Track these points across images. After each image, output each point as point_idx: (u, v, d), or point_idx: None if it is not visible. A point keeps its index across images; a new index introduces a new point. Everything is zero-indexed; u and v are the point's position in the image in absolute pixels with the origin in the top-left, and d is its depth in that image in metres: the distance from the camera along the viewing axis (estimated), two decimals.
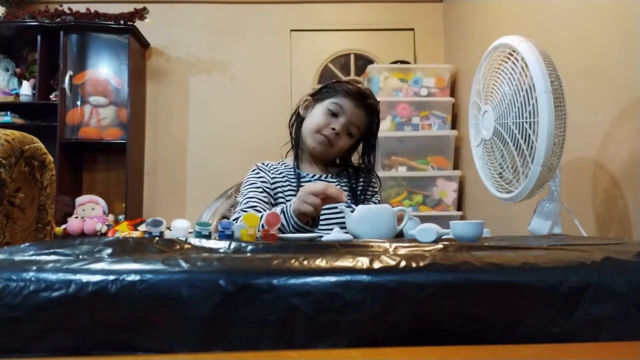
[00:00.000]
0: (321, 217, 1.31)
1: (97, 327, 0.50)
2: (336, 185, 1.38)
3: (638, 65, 1.46)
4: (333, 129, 1.33)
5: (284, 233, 1.14)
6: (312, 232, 1.16)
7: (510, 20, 2.39)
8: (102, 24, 3.10)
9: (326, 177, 1.41)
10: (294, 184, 1.37)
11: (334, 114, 1.35)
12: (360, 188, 1.42)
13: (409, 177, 2.89)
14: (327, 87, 1.40)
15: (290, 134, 1.45)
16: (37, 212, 1.50)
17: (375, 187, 1.46)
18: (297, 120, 1.44)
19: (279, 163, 1.45)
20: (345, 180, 1.42)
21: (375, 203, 1.41)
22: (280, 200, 1.35)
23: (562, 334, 0.52)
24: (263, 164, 1.43)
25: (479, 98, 1.43)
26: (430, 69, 3.02)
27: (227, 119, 3.42)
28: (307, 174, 1.41)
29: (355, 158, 1.49)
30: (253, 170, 1.41)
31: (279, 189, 1.36)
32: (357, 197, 1.40)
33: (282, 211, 1.16)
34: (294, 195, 1.31)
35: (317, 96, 1.41)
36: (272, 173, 1.39)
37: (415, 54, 3.49)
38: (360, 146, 1.46)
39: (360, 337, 0.50)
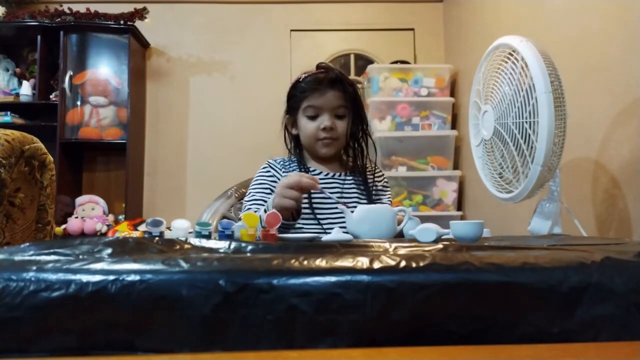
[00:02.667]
0: (323, 217, 1.31)
1: (97, 327, 0.50)
2: (352, 183, 1.37)
3: (638, 65, 1.46)
4: (324, 128, 1.32)
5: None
6: (294, 226, 1.17)
7: (510, 20, 2.39)
8: (102, 24, 3.11)
9: (340, 175, 1.39)
10: None
11: (314, 116, 1.33)
12: (373, 186, 1.41)
13: (409, 177, 2.89)
14: (289, 98, 1.38)
15: (295, 154, 1.42)
16: (37, 212, 1.50)
17: (387, 184, 1.46)
18: (294, 140, 1.42)
19: (290, 159, 1.43)
20: (360, 178, 1.40)
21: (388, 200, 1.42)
22: None
23: (562, 334, 0.52)
24: (275, 161, 1.41)
25: (479, 98, 1.43)
26: (430, 69, 3.02)
27: (227, 119, 3.42)
28: (321, 172, 1.38)
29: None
30: (264, 168, 1.40)
31: None
32: (371, 194, 1.38)
33: (265, 211, 1.15)
34: (306, 194, 1.30)
35: (291, 111, 1.39)
36: (284, 171, 1.37)
37: (415, 54, 3.49)
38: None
39: (360, 337, 0.50)
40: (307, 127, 1.34)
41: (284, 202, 1.11)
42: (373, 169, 1.45)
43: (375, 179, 1.43)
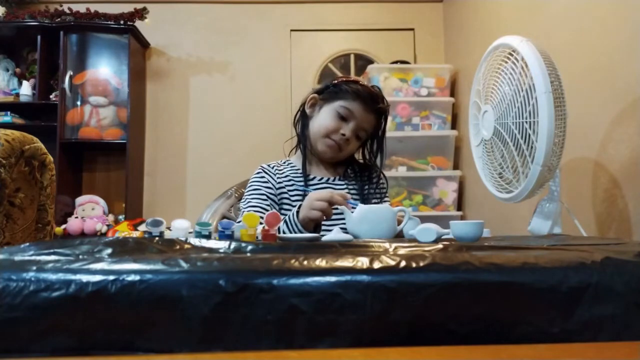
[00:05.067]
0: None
1: (97, 327, 0.50)
2: (344, 188, 1.36)
3: (638, 65, 1.46)
4: (343, 134, 1.30)
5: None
6: (318, 238, 1.16)
7: (510, 20, 2.39)
8: (102, 24, 3.11)
9: (334, 180, 1.38)
10: (301, 186, 1.33)
11: (343, 118, 1.31)
12: (369, 191, 1.38)
13: (409, 177, 2.89)
14: (335, 86, 1.34)
15: (297, 132, 1.41)
16: (37, 212, 1.50)
17: (384, 189, 1.43)
18: (303, 118, 1.39)
19: (283, 162, 1.42)
20: (353, 182, 1.39)
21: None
22: (286, 202, 1.33)
23: (562, 334, 0.52)
24: (268, 165, 1.39)
25: (479, 98, 1.43)
26: (430, 69, 3.02)
27: (227, 119, 3.42)
28: (315, 177, 1.37)
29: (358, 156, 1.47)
30: (258, 174, 1.37)
31: (285, 193, 1.33)
32: (367, 201, 1.36)
33: (285, 222, 1.15)
34: (300, 198, 1.29)
35: (324, 95, 1.35)
36: (277, 176, 1.36)
37: (415, 54, 3.49)
38: (365, 147, 1.43)
39: (360, 337, 0.50)
40: (329, 119, 1.32)
41: (312, 213, 1.11)
42: (372, 175, 1.42)
43: (372, 184, 1.41)
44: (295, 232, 1.13)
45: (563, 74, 1.22)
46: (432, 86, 2.97)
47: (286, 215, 1.18)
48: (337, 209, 1.24)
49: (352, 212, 1.06)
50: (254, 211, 1.28)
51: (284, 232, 1.14)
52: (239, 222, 1.25)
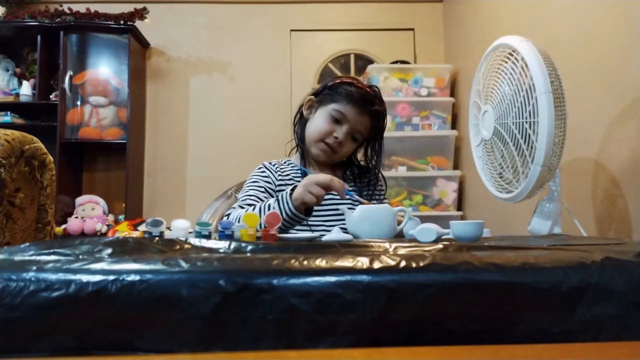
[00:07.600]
0: (321, 217, 1.31)
1: (97, 327, 0.50)
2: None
3: (638, 65, 1.46)
4: (336, 137, 1.30)
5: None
6: (306, 220, 1.15)
7: (510, 20, 2.39)
8: (102, 24, 3.11)
9: None
10: None
11: (337, 121, 1.31)
12: (367, 193, 1.38)
13: (409, 177, 2.89)
14: (330, 87, 1.34)
15: (295, 133, 1.42)
16: (37, 212, 1.50)
17: (382, 191, 1.43)
18: (301, 120, 1.41)
19: (284, 162, 1.42)
20: (352, 184, 1.39)
21: None
22: None
23: (562, 334, 0.52)
24: (270, 163, 1.40)
25: (479, 98, 1.43)
26: (430, 69, 3.02)
27: (227, 119, 3.43)
28: None
29: (359, 156, 1.46)
30: (259, 169, 1.39)
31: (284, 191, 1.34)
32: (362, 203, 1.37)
33: (277, 200, 1.14)
34: None
35: (319, 97, 1.36)
36: (278, 174, 1.36)
37: (415, 54, 3.49)
38: (367, 148, 1.42)
39: (360, 337, 0.50)
40: (322, 123, 1.32)
41: (307, 196, 1.08)
42: (371, 178, 1.42)
43: (370, 187, 1.40)
44: (286, 211, 1.11)
45: (563, 74, 1.22)
46: (432, 86, 2.97)
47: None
48: (338, 209, 1.24)
49: (352, 212, 1.06)
50: (250, 200, 1.28)
51: (273, 209, 1.13)
52: (228, 214, 1.25)
